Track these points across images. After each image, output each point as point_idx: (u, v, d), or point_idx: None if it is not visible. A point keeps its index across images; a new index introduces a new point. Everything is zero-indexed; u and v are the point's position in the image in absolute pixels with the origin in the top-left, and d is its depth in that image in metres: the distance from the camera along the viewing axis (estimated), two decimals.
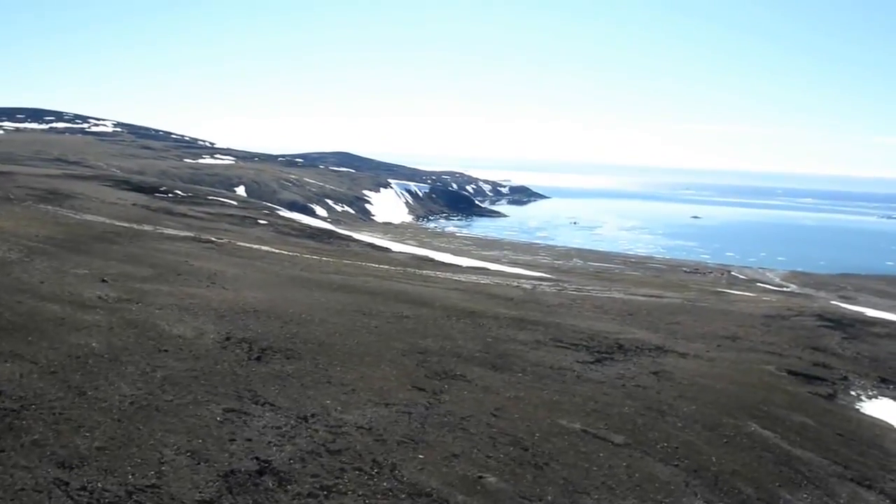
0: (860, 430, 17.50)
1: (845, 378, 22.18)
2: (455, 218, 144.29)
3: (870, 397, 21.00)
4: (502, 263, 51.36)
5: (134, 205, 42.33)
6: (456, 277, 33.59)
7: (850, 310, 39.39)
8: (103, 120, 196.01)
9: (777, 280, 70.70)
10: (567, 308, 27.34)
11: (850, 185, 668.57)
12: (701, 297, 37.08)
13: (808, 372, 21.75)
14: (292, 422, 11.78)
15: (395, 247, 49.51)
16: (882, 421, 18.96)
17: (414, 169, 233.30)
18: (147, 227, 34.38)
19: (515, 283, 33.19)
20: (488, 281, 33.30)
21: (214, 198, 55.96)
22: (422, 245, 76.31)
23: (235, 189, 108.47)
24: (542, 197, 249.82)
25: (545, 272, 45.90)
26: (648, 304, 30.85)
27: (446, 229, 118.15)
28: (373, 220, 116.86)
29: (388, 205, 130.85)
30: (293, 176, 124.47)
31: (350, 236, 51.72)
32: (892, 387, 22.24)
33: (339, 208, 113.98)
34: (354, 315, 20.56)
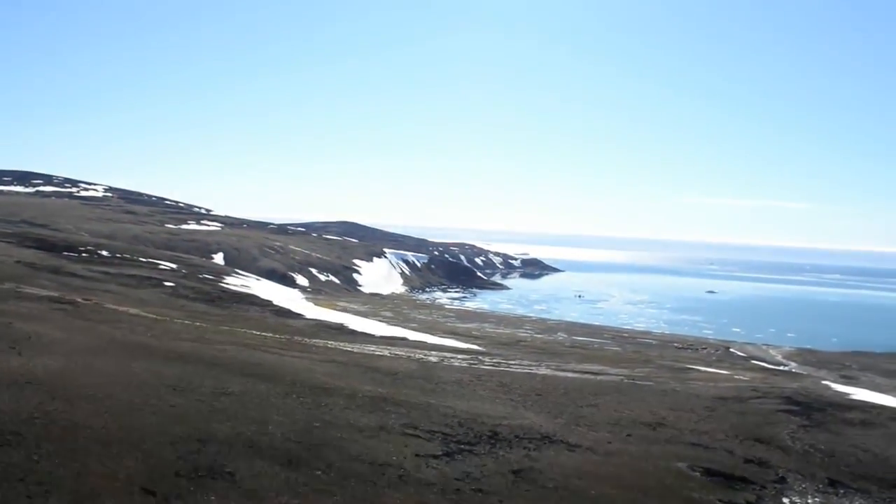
0: None
1: (781, 480, 17.90)
2: (454, 290, 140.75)
3: None
4: (440, 334, 47.52)
5: (17, 262, 39.10)
6: (351, 348, 30.04)
7: (833, 392, 35.29)
8: (94, 185, 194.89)
9: (778, 357, 66.29)
10: (461, 386, 23.52)
11: (884, 262, 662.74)
12: (651, 375, 33.26)
13: (733, 472, 17.55)
14: None
15: (313, 313, 46.23)
16: None
17: (422, 240, 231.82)
18: (7, 285, 30.78)
19: (421, 356, 29.48)
20: (391, 353, 29.57)
21: (148, 260, 52.42)
22: (396, 316, 72.77)
23: (213, 255, 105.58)
24: (555, 270, 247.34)
25: (483, 345, 42.28)
26: (574, 383, 27.07)
27: (437, 301, 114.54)
28: (359, 290, 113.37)
29: (380, 275, 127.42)
30: (278, 243, 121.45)
31: (270, 302, 48.31)
32: (841, 491, 17.88)
33: (322, 277, 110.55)
34: (161, 391, 17.19)
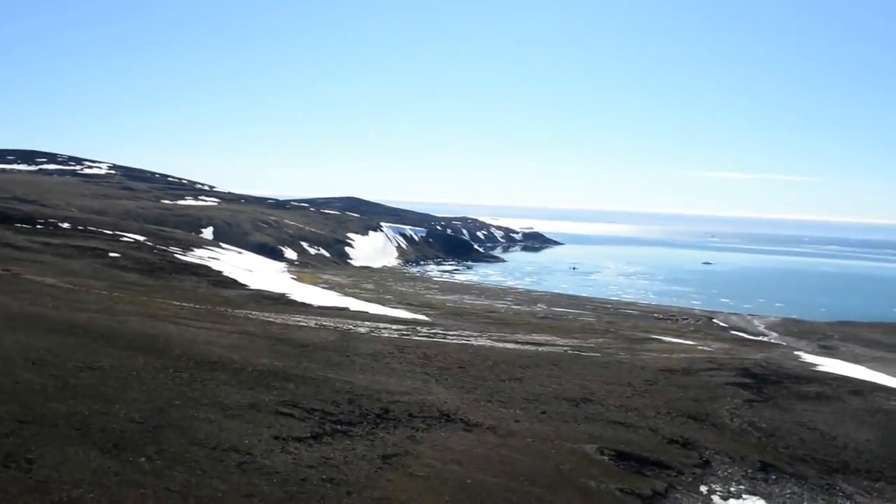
0: None
1: (705, 464, 15.75)
2: (449, 263, 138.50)
3: (728, 496, 14.42)
4: (393, 305, 45.52)
5: None
6: (274, 319, 28.10)
7: (798, 363, 33.23)
8: (98, 163, 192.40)
9: (760, 328, 63.93)
10: (376, 359, 21.50)
11: (884, 234, 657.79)
12: (602, 346, 31.25)
13: (649, 455, 15.44)
14: None
15: (259, 284, 44.63)
16: None
17: (425, 214, 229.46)
18: None
19: (350, 327, 27.50)
20: (318, 324, 27.62)
21: (115, 232, 50.44)
22: (377, 288, 70.76)
23: (203, 230, 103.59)
24: (555, 243, 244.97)
25: (433, 315, 40.31)
26: (509, 354, 25.02)
27: (428, 274, 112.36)
28: (350, 263, 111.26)
29: (374, 248, 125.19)
30: (273, 218, 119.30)
31: (219, 273, 46.70)
32: (773, 477, 15.71)
33: (312, 251, 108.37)
34: (17, 365, 15.16)
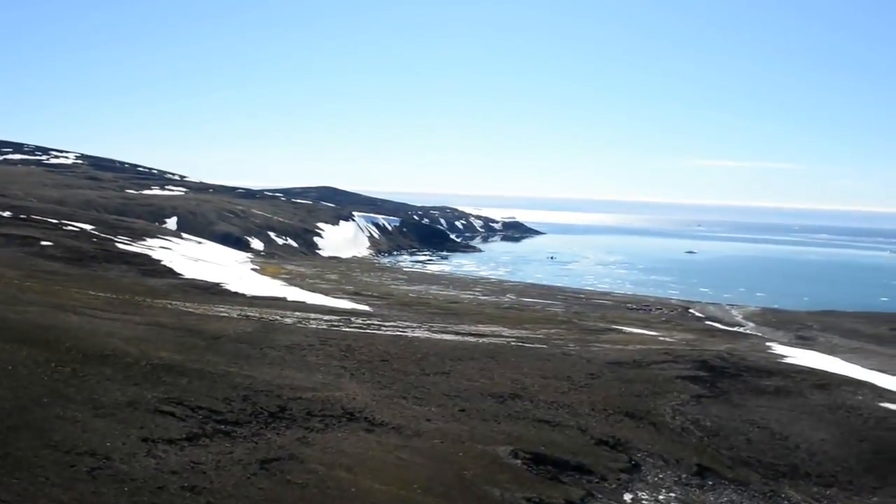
0: None
1: (634, 468, 14.60)
2: (424, 253, 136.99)
3: None
4: (339, 295, 44.43)
5: None
6: (194, 309, 27.08)
7: (765, 355, 32.26)
8: (66, 152, 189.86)
9: (738, 318, 62.99)
10: (291, 351, 20.38)
11: (875, 221, 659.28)
12: (552, 337, 30.17)
13: (571, 458, 14.28)
14: None
15: (194, 273, 43.48)
16: None
17: (402, 204, 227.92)
18: None
19: (277, 318, 26.31)
20: (241, 315, 26.47)
21: (60, 221, 49.13)
22: (341, 279, 69.66)
23: (166, 220, 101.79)
24: (536, 233, 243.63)
25: (380, 305, 39.23)
26: (444, 346, 23.90)
27: (399, 264, 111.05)
28: (318, 253, 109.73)
29: (345, 238, 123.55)
30: (240, 207, 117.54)
31: (158, 262, 45.44)
32: (710, 483, 14.59)
33: (280, 241, 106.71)
34: None
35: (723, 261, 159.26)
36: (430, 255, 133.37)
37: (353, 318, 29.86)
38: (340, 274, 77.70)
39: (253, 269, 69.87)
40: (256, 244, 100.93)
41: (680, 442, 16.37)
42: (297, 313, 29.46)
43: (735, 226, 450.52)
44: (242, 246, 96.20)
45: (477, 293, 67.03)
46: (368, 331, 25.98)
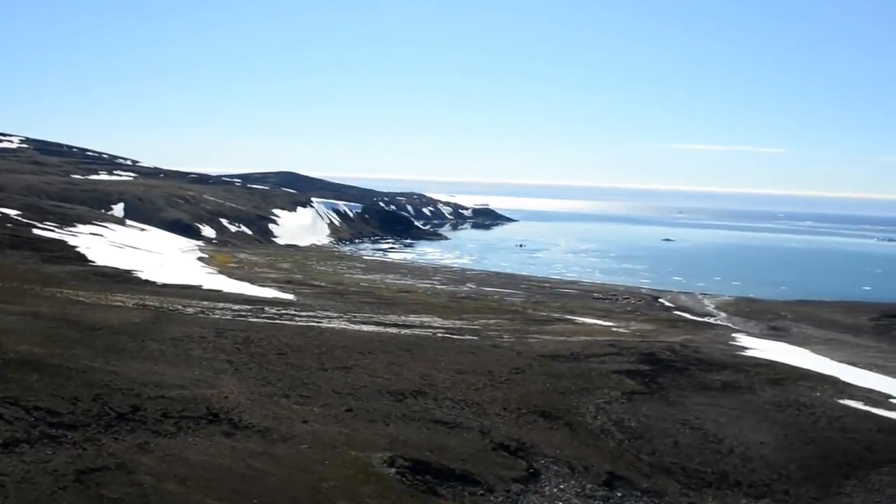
0: None
1: (533, 476, 13.09)
2: (387, 240, 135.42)
3: None
4: (268, 284, 42.80)
5: None
6: (85, 298, 25.20)
7: (721, 347, 30.71)
8: (9, 136, 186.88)
9: (709, 307, 61.83)
10: (175, 344, 18.98)
11: (863, 209, 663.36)
12: (487, 328, 28.75)
13: (459, 466, 12.74)
14: None
15: (111, 261, 41.75)
16: None
17: (368, 190, 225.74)
18: None
19: (178, 307, 24.72)
20: (136, 304, 24.87)
21: None
22: (293, 268, 68.09)
23: (112, 206, 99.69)
24: (509, 220, 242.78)
25: (307, 295, 37.78)
26: (356, 338, 22.50)
27: (359, 252, 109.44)
28: (273, 241, 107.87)
29: (303, 225, 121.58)
30: (191, 193, 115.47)
31: (72, 249, 43.73)
32: (619, 494, 13.07)
33: (233, 228, 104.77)
34: None
35: (700, 249, 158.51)
36: (394, 243, 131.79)
37: (267, 308, 28.34)
38: (294, 263, 76.08)
39: (200, 258, 68.22)
40: (208, 231, 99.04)
41: (595, 446, 14.88)
42: (206, 302, 27.93)
43: (717, 213, 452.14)
44: (192, 233, 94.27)
45: (435, 282, 65.59)
46: (279, 321, 24.49)
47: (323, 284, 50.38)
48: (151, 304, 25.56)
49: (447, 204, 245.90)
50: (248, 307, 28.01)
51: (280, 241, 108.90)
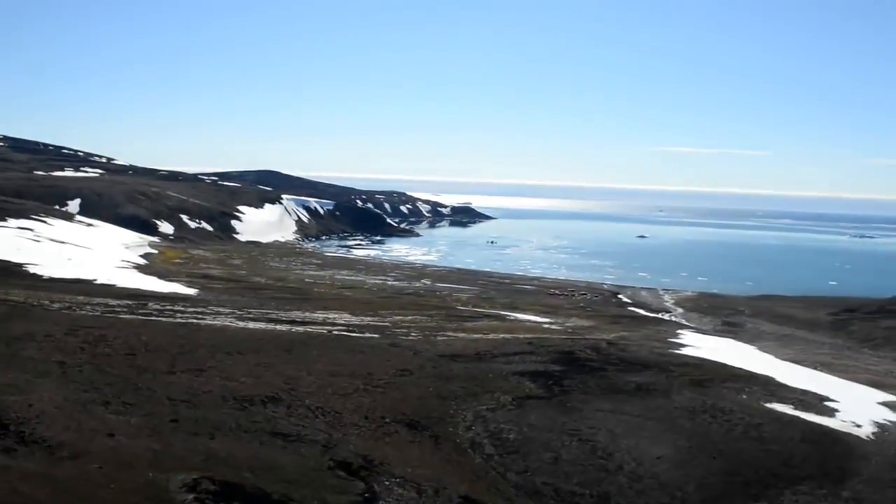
0: None
1: (367, 501, 11.10)
2: (356, 237, 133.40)
3: None
4: (179, 279, 40.76)
5: None
6: None
7: (659, 345, 28.79)
8: None
9: (668, 303, 60.25)
10: (9, 344, 16.69)
11: (842, 207, 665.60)
12: (397, 325, 26.95)
13: (277, 490, 10.63)
14: None
15: (20, 258, 39.54)
16: None
17: (345, 188, 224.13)
18: None
19: (40, 303, 22.82)
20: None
21: None
22: (244, 264, 66.18)
23: (69, 202, 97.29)
24: (487, 218, 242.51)
25: (212, 290, 35.94)
26: (237, 336, 20.57)
27: (323, 249, 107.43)
28: (235, 237, 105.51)
29: (268, 222, 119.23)
30: (154, 189, 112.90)
31: None
32: None
33: (193, 224, 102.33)
34: None
35: (673, 245, 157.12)
36: (363, 240, 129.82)
37: (151, 304, 26.24)
38: (248, 259, 74.08)
39: (147, 254, 66.07)
40: (166, 227, 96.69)
41: (457, 462, 12.87)
42: (81, 297, 25.82)
43: (698, 211, 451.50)
44: (149, 230, 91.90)
45: (388, 279, 63.63)
46: (153, 318, 22.43)
47: (263, 281, 48.45)
48: (15, 298, 23.47)
49: (426, 202, 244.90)
50: (129, 302, 25.93)
51: (242, 237, 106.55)
